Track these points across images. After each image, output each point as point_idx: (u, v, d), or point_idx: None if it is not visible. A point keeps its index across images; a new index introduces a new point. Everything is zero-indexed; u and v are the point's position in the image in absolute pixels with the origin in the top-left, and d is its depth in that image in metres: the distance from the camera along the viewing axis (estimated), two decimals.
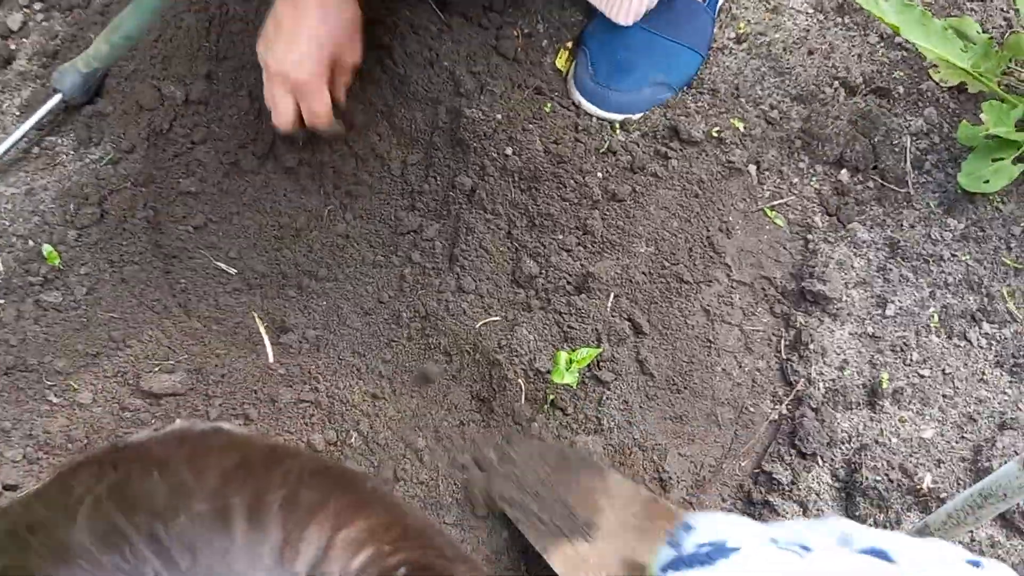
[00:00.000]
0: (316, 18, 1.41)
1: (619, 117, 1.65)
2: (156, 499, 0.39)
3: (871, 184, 1.60)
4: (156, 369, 1.48)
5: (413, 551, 0.41)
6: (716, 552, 0.73)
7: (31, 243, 1.55)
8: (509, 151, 1.59)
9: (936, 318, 1.50)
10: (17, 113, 1.69)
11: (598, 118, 1.65)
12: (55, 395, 1.44)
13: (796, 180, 1.62)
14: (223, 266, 1.59)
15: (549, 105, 1.65)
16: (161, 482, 0.40)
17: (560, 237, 1.55)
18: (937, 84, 1.65)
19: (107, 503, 0.40)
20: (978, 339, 1.48)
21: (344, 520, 0.40)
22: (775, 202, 1.60)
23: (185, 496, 0.39)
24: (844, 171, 1.61)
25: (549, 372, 1.45)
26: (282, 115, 1.47)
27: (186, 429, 0.46)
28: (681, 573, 0.72)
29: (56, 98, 1.63)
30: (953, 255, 1.52)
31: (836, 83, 1.67)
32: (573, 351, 1.45)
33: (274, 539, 0.38)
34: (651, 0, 1.60)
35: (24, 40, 1.78)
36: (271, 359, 1.53)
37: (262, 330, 1.56)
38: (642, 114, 1.66)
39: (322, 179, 1.64)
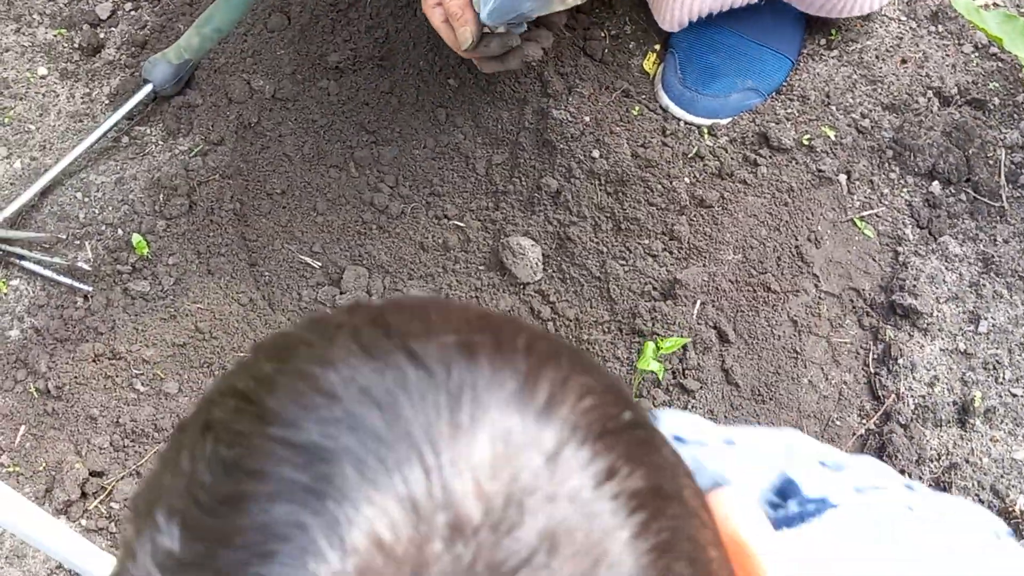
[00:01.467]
0: None
1: (707, 122, 1.64)
2: (411, 327, 0.42)
3: (963, 197, 1.58)
4: None
5: (629, 408, 0.44)
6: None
7: (120, 232, 1.57)
8: (596, 154, 1.59)
9: None
10: (106, 101, 1.71)
11: (686, 122, 1.64)
12: (142, 384, 1.46)
13: (887, 191, 1.59)
14: (307, 260, 1.59)
15: (637, 108, 1.64)
16: (413, 318, 0.43)
17: (646, 242, 1.54)
18: None
19: (365, 329, 0.42)
20: None
21: (574, 371, 0.43)
22: (865, 212, 1.58)
23: (435, 330, 0.42)
24: (936, 183, 1.59)
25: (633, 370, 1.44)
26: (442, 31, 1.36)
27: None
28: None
29: (147, 88, 1.64)
30: None
31: (929, 93, 1.65)
32: (661, 339, 1.44)
33: (518, 371, 0.41)
34: (693, 11, 1.57)
35: (113, 29, 1.79)
36: None
37: None
38: (731, 119, 1.64)
39: (406, 176, 1.64)
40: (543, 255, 1.56)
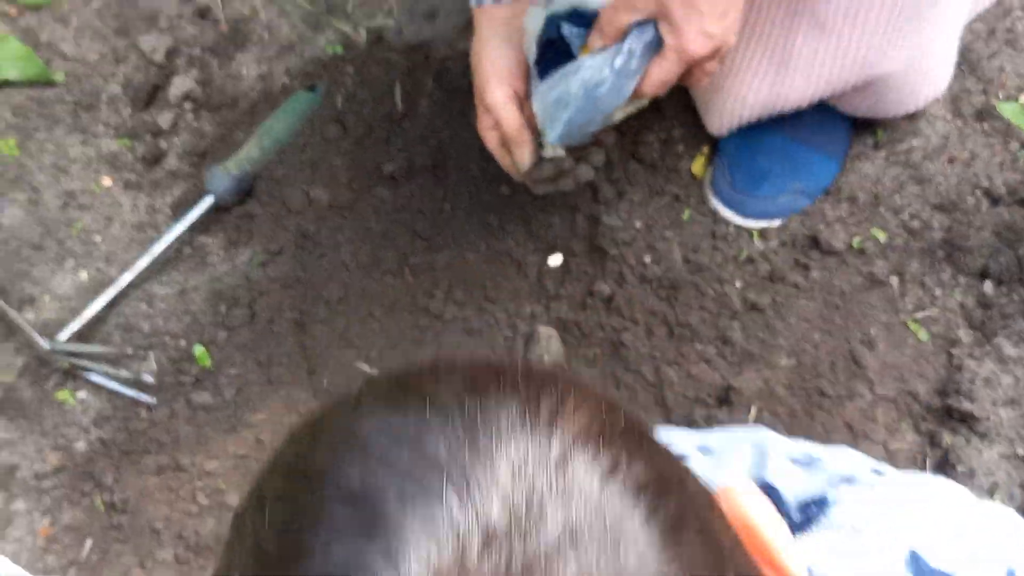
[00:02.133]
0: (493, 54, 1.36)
1: (757, 224, 1.65)
2: (423, 378, 0.49)
3: (1016, 297, 1.58)
4: None
5: (624, 415, 0.50)
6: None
7: (183, 342, 1.61)
8: (648, 259, 1.61)
9: None
10: (169, 212, 1.76)
11: (736, 225, 1.66)
12: (204, 496, 1.48)
13: (939, 292, 1.60)
14: (364, 366, 1.62)
15: (687, 212, 1.66)
16: (423, 371, 0.50)
17: (700, 347, 1.55)
18: None
19: (384, 388, 0.50)
20: None
21: (568, 389, 0.49)
22: (918, 314, 1.58)
23: (444, 377, 0.49)
24: (988, 283, 1.59)
25: None
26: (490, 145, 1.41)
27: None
28: None
29: (208, 200, 1.69)
30: None
31: (978, 192, 1.66)
32: None
33: (519, 398, 0.47)
34: (740, 119, 1.60)
35: (174, 139, 1.85)
36: None
37: None
38: (781, 221, 1.66)
39: (459, 282, 1.66)
40: (595, 358, 1.58)
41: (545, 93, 1.27)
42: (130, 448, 1.52)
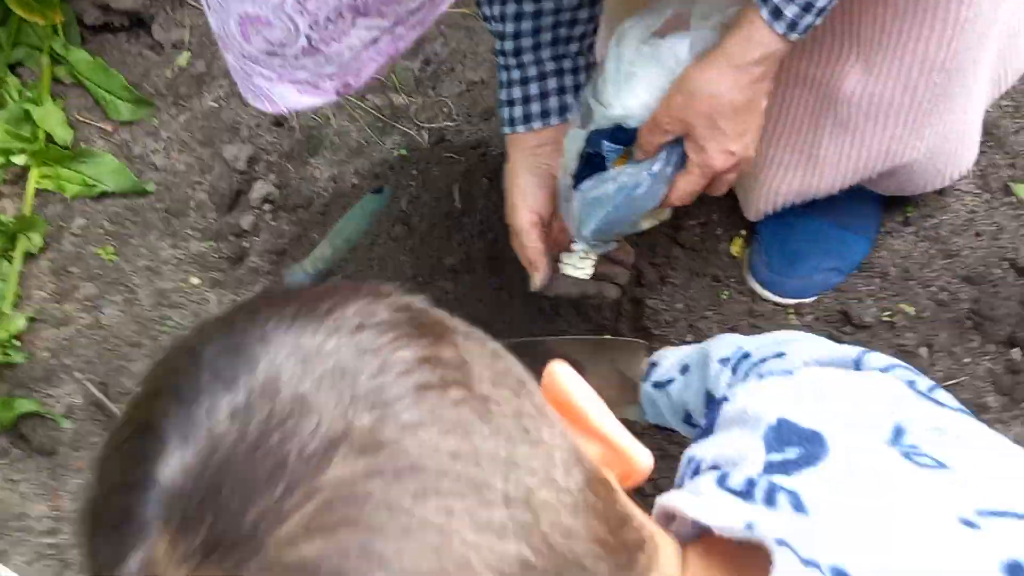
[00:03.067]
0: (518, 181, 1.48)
1: (793, 302, 1.76)
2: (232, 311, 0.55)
3: None
4: None
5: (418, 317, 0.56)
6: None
7: None
8: (690, 338, 1.73)
9: None
10: None
11: (773, 303, 1.77)
12: None
13: (968, 360, 1.69)
14: None
15: (726, 292, 1.78)
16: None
17: None
18: None
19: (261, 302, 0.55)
20: None
21: (345, 297, 0.54)
22: (947, 383, 1.67)
23: (246, 305, 0.55)
24: (1016, 350, 1.68)
25: None
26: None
27: None
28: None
29: None
30: None
31: (1005, 264, 1.75)
32: None
33: (292, 310, 0.52)
34: (776, 204, 1.70)
35: (255, 239, 2.02)
36: None
37: None
38: (815, 298, 1.77)
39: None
40: (639, 434, 1.69)
41: (585, 193, 1.41)
42: None
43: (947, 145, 1.62)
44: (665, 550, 0.60)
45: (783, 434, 0.69)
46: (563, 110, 1.43)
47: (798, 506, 0.61)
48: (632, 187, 1.36)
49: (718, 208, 1.87)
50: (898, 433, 0.68)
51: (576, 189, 1.42)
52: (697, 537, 0.66)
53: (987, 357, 1.68)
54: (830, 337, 1.70)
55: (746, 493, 0.65)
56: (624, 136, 1.39)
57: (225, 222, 2.04)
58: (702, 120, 1.30)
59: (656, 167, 1.35)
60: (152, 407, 0.50)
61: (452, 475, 0.47)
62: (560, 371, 0.59)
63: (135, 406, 0.52)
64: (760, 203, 1.73)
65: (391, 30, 1.00)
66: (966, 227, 1.80)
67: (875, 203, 1.80)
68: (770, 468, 0.67)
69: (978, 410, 1.65)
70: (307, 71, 1.04)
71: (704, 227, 1.85)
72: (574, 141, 1.40)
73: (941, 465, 0.64)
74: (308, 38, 0.98)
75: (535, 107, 1.43)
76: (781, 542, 0.58)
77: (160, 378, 0.51)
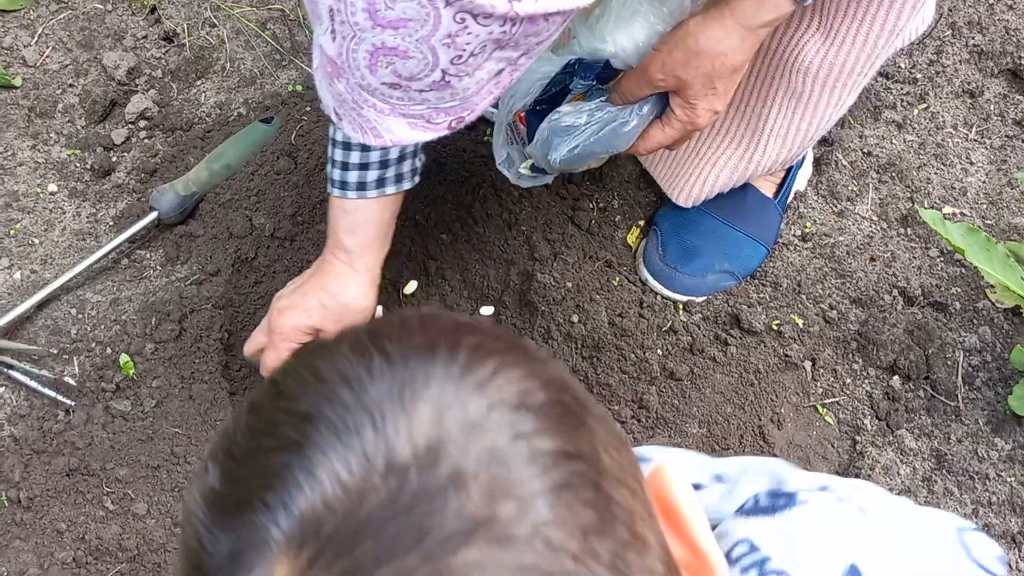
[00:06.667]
0: (321, 293, 1.47)
1: (683, 298, 1.71)
2: (391, 331, 0.57)
3: (922, 394, 1.65)
4: None
5: (562, 391, 0.56)
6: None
7: (109, 350, 1.61)
8: (575, 319, 1.65)
9: None
10: (111, 223, 1.77)
11: (663, 297, 1.71)
12: (112, 502, 1.48)
13: (849, 380, 1.66)
14: None
15: (617, 279, 1.72)
16: (395, 325, 0.58)
17: (616, 408, 1.59)
18: (993, 304, 1.70)
19: (360, 334, 0.57)
20: (1017, 562, 1.49)
21: (510, 362, 0.55)
22: (827, 400, 1.64)
23: (409, 333, 0.57)
24: (896, 377, 1.66)
25: None
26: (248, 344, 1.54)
27: None
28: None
29: (152, 216, 1.71)
30: (999, 475, 1.55)
31: (895, 291, 1.73)
32: None
33: (459, 362, 0.54)
34: (711, 189, 1.68)
35: (125, 155, 1.87)
36: None
37: None
38: (705, 298, 1.72)
39: None
40: None
41: (555, 121, 1.37)
42: (42, 448, 1.51)
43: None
44: None
45: None
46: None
47: None
48: (620, 124, 1.34)
49: (619, 195, 1.81)
50: None
51: (540, 113, 1.39)
52: None
53: (868, 380, 1.66)
54: (715, 338, 1.66)
55: None
56: (603, 73, 1.36)
57: (95, 132, 1.88)
58: (700, 79, 1.27)
59: (645, 109, 1.33)
60: (305, 431, 0.52)
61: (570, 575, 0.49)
62: (671, 475, 0.60)
63: (281, 418, 0.54)
64: (696, 188, 1.68)
65: (515, 61, 1.00)
66: (861, 250, 1.78)
67: (776, 213, 1.77)
68: None
69: (853, 431, 1.62)
70: (426, 105, 1.03)
71: (603, 212, 1.79)
72: (546, 63, 1.35)
73: None
74: (443, 72, 0.97)
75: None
76: None
77: (315, 402, 0.53)
